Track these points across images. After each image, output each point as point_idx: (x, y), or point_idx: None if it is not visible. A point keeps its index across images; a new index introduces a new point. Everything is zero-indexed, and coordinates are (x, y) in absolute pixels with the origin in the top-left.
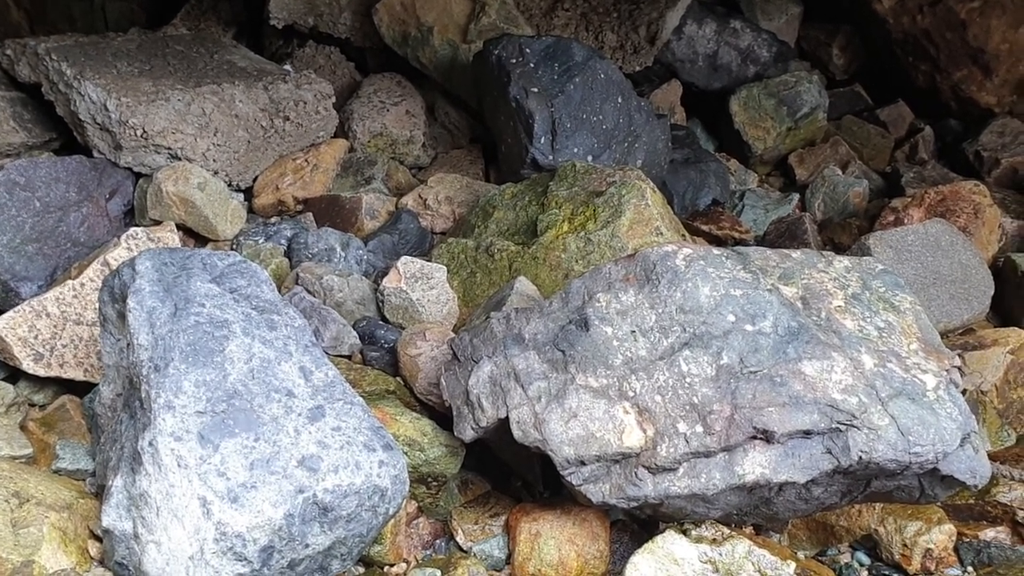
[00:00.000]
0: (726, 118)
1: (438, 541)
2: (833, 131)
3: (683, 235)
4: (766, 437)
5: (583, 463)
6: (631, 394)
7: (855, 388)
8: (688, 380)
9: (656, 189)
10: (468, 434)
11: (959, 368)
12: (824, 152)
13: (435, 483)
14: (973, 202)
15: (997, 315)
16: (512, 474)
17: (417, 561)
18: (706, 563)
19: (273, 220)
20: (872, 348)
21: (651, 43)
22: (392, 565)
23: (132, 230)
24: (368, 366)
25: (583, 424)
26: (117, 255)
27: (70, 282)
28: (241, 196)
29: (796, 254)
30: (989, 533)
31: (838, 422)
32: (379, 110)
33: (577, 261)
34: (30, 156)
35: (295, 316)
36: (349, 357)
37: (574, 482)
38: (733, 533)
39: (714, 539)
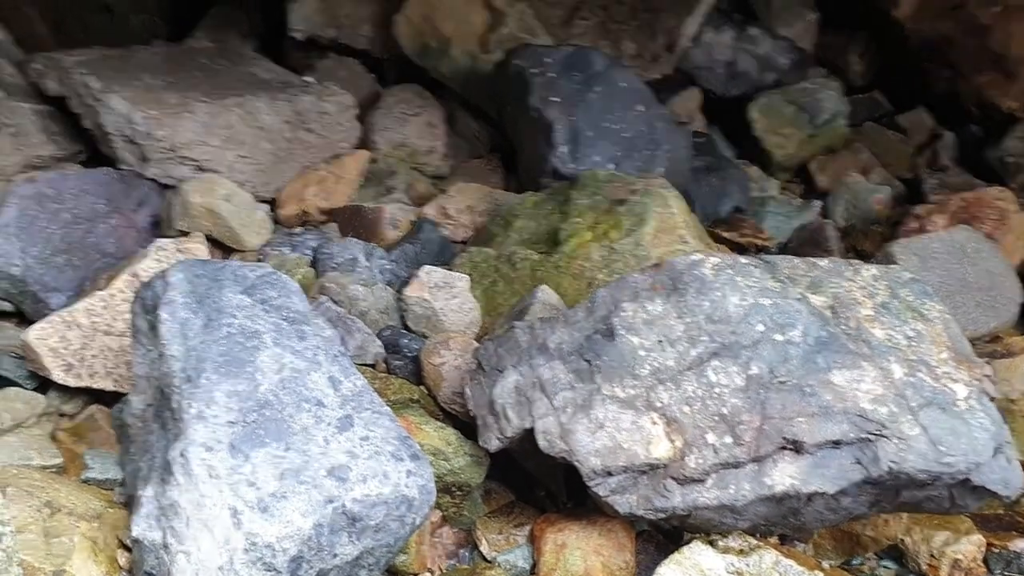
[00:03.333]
0: (745, 125)
1: (462, 551)
2: (854, 137)
3: (708, 243)
4: (795, 448)
5: (610, 474)
6: (659, 404)
7: (885, 398)
8: (717, 390)
9: (680, 196)
10: (493, 444)
11: (990, 377)
12: (845, 159)
13: (459, 492)
14: (998, 208)
15: None
16: (536, 484)
17: (441, 571)
18: (733, 574)
19: (298, 231)
20: (901, 357)
21: (669, 51)
22: (417, 575)
23: (160, 241)
24: (392, 375)
25: (610, 435)
26: (146, 266)
27: (99, 293)
28: (266, 207)
29: (824, 263)
30: (1019, 543)
31: (868, 432)
32: (400, 121)
33: (600, 270)
34: (58, 168)
35: (324, 326)
36: (373, 366)
37: (601, 493)
38: (760, 543)
39: (741, 550)
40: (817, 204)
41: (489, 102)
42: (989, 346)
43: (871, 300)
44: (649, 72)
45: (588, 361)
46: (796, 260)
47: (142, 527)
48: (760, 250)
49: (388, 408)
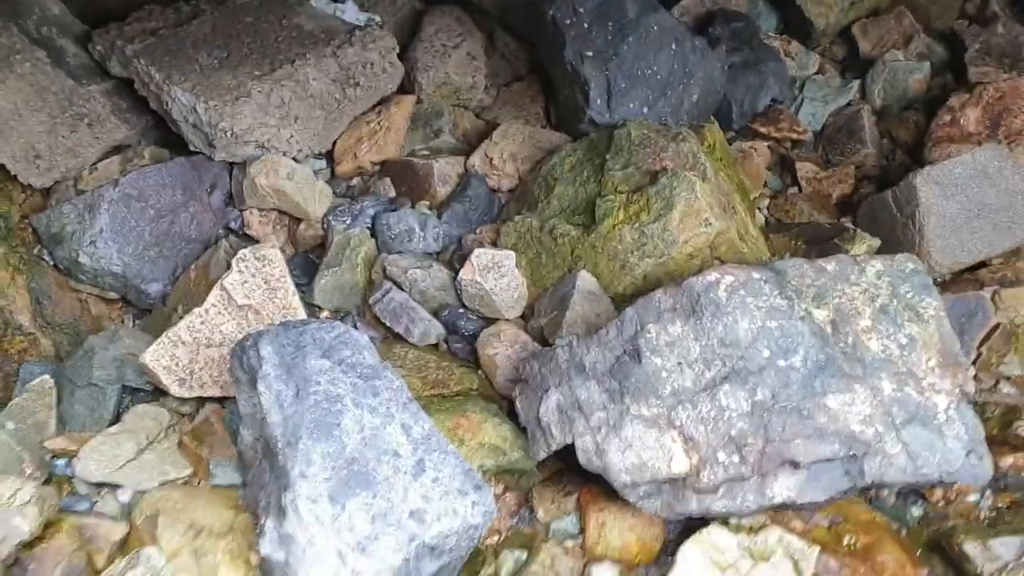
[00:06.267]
0: None
1: (522, 510)
2: None
3: (734, 208)
4: (793, 464)
5: (638, 485)
6: (678, 423)
7: (872, 418)
8: (727, 414)
9: (706, 177)
10: (541, 455)
11: (975, 377)
12: (888, 24)
13: (517, 473)
14: None
15: None
16: None
17: (507, 532)
18: (744, 550)
19: (354, 183)
20: (892, 371)
21: None
22: (486, 537)
23: (241, 253)
24: (453, 356)
25: (637, 453)
26: (232, 280)
27: (196, 310)
28: (323, 162)
29: (831, 266)
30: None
31: (856, 451)
32: (441, 56)
33: (632, 252)
34: (134, 151)
35: (393, 378)
36: (436, 346)
37: (631, 499)
38: (767, 523)
39: (751, 527)
40: (855, 84)
41: (526, 28)
42: (1002, 270)
43: (871, 306)
44: None
45: (619, 382)
46: (805, 266)
47: (268, 549)
48: (795, 144)
49: (454, 448)
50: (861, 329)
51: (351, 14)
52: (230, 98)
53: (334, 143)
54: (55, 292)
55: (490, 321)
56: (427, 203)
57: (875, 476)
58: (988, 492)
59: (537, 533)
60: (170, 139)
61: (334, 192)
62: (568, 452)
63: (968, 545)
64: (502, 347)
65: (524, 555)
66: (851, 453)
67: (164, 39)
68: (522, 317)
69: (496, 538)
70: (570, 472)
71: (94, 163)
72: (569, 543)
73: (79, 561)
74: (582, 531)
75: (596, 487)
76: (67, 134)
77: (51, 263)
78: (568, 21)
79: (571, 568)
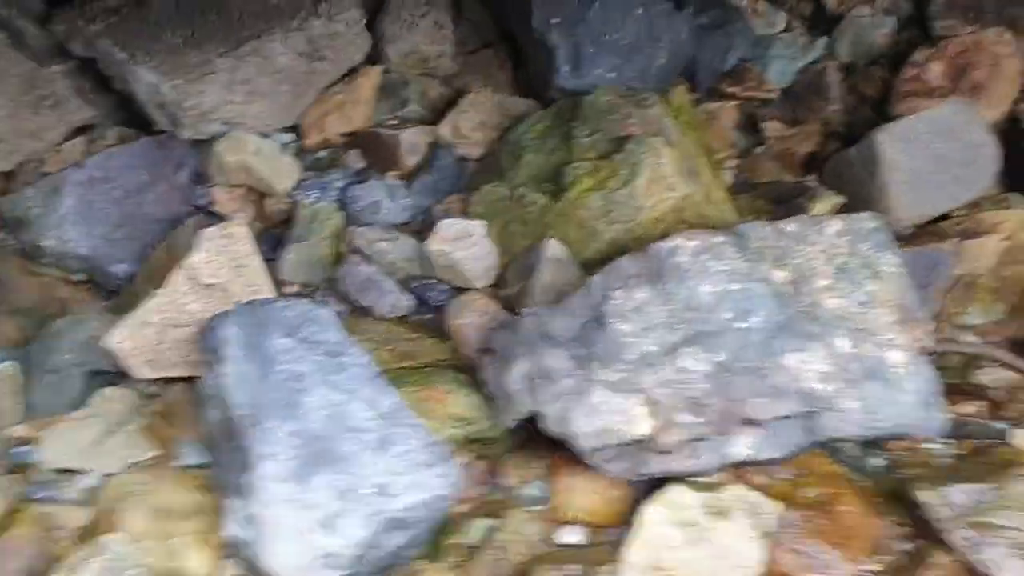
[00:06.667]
0: None
1: (491, 478)
2: None
3: (699, 172)
4: (752, 423)
5: (602, 449)
6: (642, 387)
7: (830, 376)
8: (689, 376)
9: (672, 142)
10: (509, 422)
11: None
12: None
13: (486, 442)
14: (993, 54)
15: (1007, 178)
16: None
17: (476, 501)
18: (704, 507)
19: (323, 156)
20: (851, 327)
21: None
22: (455, 506)
23: (207, 232)
24: (422, 327)
25: (603, 418)
26: (198, 260)
27: (162, 291)
28: (291, 136)
29: (791, 227)
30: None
31: (813, 407)
32: (409, 27)
33: (600, 219)
34: (99, 132)
35: (359, 353)
36: (405, 318)
37: (596, 463)
38: (728, 480)
39: (712, 485)
40: (822, 41)
41: None
42: (962, 222)
43: (830, 265)
44: None
45: (585, 349)
46: (766, 228)
47: (234, 529)
48: (763, 103)
49: (420, 422)
50: (820, 288)
51: None
52: (195, 76)
53: (301, 116)
54: (18, 276)
55: (460, 291)
56: (396, 174)
57: (832, 431)
58: (948, 440)
59: (506, 500)
60: (135, 119)
61: (302, 166)
62: (537, 419)
63: (924, 493)
64: (471, 317)
65: (493, 522)
66: (809, 410)
67: (127, 18)
68: (494, 286)
69: (465, 506)
70: (538, 439)
71: (58, 145)
72: (537, 508)
73: (42, 549)
74: (550, 496)
75: (564, 453)
76: (29, 116)
77: (15, 247)
78: None
79: (539, 532)
